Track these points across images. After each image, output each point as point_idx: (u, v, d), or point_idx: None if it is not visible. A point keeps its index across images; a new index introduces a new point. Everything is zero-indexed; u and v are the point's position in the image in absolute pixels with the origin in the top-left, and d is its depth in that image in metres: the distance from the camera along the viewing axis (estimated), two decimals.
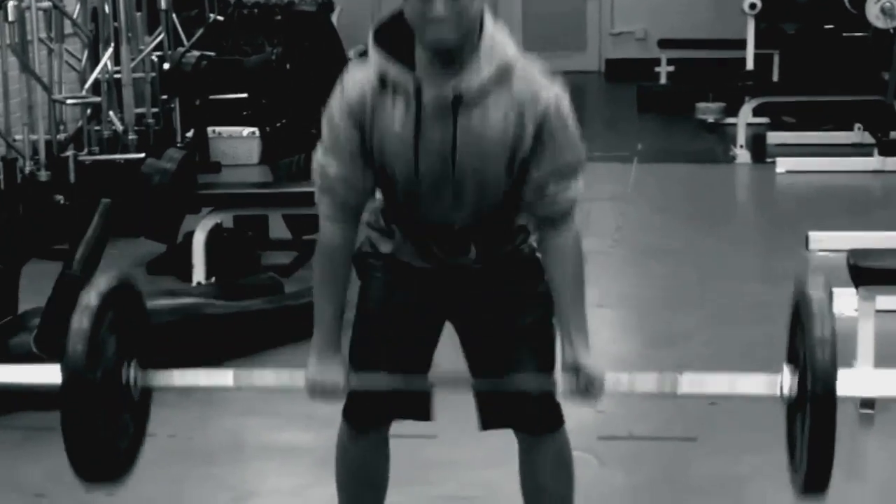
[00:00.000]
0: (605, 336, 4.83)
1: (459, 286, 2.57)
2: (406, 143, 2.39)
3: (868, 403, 3.90)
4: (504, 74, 2.37)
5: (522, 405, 2.56)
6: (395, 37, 2.38)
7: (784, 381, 2.40)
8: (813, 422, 2.27)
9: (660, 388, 2.47)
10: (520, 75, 2.39)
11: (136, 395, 2.53)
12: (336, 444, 2.69)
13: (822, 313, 2.30)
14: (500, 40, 2.39)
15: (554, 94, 2.40)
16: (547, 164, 2.41)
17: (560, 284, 2.48)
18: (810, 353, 2.28)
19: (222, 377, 2.61)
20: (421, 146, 2.38)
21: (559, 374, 2.47)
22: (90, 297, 2.43)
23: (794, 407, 2.40)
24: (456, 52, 2.34)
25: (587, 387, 2.43)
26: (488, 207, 2.47)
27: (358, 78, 2.41)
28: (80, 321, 2.39)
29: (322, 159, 2.46)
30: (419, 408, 2.60)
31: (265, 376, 2.65)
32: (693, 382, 2.48)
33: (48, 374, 2.48)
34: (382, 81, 2.38)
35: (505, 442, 2.69)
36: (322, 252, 2.50)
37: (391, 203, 2.52)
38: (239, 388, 2.58)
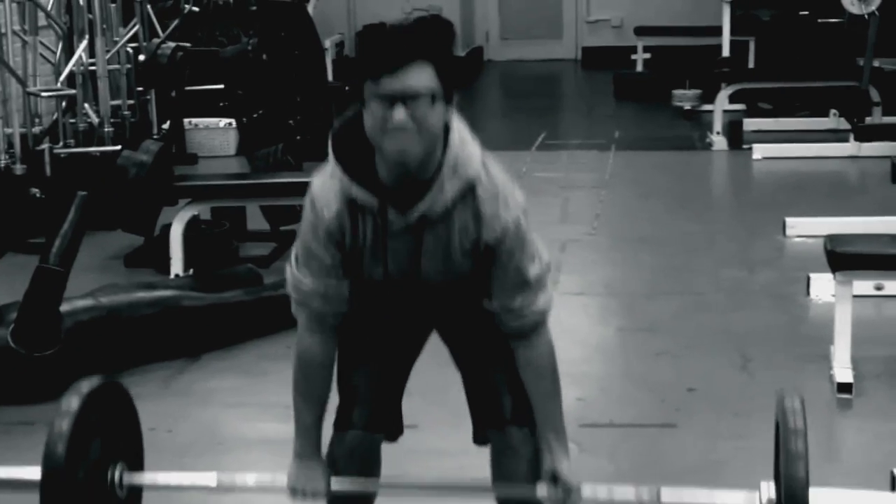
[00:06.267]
0: (585, 324, 4.84)
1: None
2: (376, 254, 2.40)
3: (845, 388, 3.93)
4: (468, 192, 2.35)
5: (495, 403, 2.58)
6: (354, 147, 2.34)
7: (763, 494, 2.45)
8: None
9: (638, 497, 2.52)
10: (481, 195, 2.35)
11: (122, 495, 2.61)
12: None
13: (797, 430, 2.37)
14: (463, 155, 2.34)
15: (513, 216, 2.37)
16: (510, 280, 2.41)
17: (536, 396, 2.50)
18: (785, 467, 2.34)
19: (206, 479, 2.74)
20: (389, 257, 2.39)
21: (541, 484, 2.51)
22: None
23: None
24: (419, 169, 2.29)
25: (565, 496, 2.48)
26: (456, 301, 2.50)
27: (330, 198, 2.37)
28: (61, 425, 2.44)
29: (297, 274, 2.45)
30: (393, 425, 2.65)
31: (247, 478, 2.75)
32: (673, 494, 2.53)
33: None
34: (349, 201, 2.36)
35: None
36: (300, 363, 2.51)
37: (359, 296, 2.49)
38: (222, 487, 2.73)
